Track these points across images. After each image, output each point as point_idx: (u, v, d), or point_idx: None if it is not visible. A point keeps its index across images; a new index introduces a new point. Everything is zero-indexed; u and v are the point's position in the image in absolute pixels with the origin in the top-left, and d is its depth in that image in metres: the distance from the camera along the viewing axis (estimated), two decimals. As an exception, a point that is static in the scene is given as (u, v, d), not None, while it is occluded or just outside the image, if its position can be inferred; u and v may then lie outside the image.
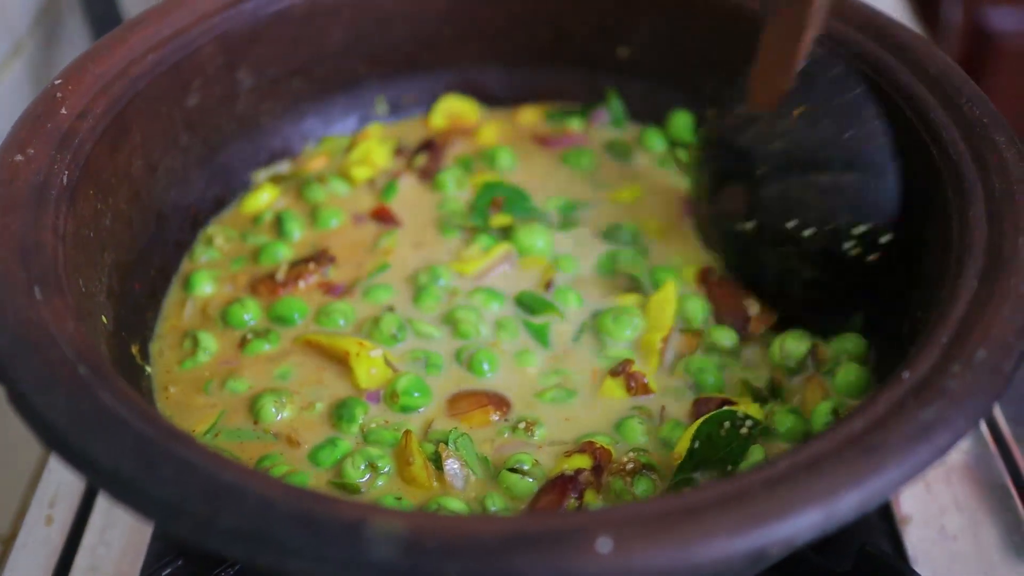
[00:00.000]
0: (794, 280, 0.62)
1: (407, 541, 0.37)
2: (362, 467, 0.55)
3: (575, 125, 0.79)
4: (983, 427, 0.69)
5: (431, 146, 0.76)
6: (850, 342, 0.61)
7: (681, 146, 0.77)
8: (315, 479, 0.55)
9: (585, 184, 0.74)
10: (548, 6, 0.76)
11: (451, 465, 0.55)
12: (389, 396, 0.59)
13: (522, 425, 0.58)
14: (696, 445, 0.53)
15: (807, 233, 0.59)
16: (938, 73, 0.59)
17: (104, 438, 0.41)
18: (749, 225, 0.61)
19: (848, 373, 0.59)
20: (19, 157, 0.52)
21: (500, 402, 0.59)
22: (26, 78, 0.89)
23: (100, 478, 0.41)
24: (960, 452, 0.67)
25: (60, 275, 0.48)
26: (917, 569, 0.56)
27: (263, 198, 0.73)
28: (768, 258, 0.62)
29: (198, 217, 0.70)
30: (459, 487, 0.54)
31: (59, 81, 0.57)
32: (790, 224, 0.59)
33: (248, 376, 0.61)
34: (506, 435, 0.58)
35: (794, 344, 0.60)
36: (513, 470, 0.54)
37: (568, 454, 0.55)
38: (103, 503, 0.65)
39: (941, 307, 0.48)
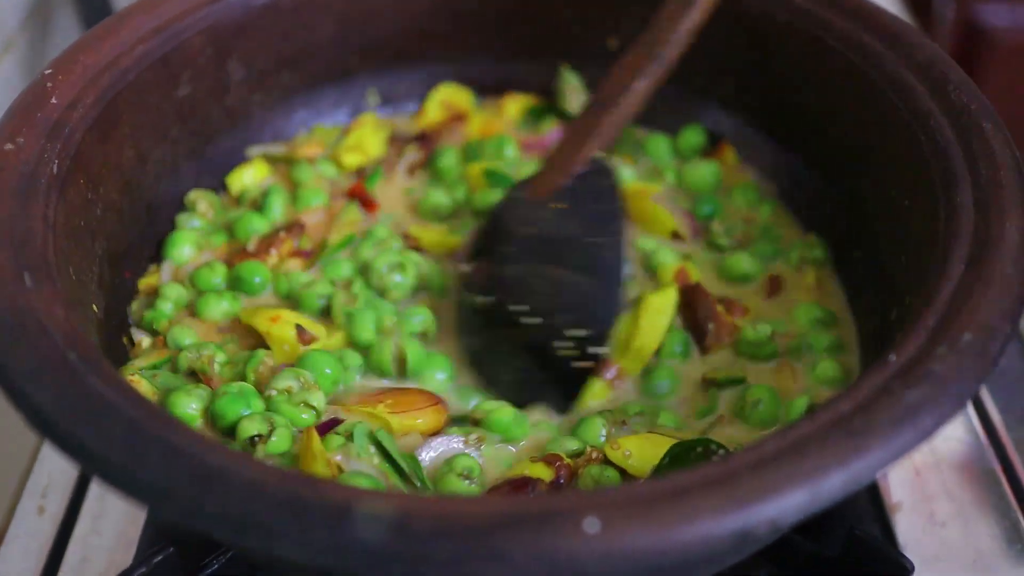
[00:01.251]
0: (507, 365, 0.61)
1: (394, 523, 0.37)
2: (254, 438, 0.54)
3: (551, 124, 0.78)
4: (973, 416, 0.69)
5: (424, 138, 0.76)
6: (825, 338, 0.62)
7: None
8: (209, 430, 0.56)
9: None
10: (538, -3, 0.76)
11: (356, 467, 0.53)
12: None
13: (473, 436, 0.56)
14: (666, 460, 0.54)
15: (530, 321, 0.59)
16: (926, 60, 0.59)
17: (94, 424, 0.41)
18: (485, 300, 0.62)
19: (826, 368, 0.60)
20: (9, 146, 0.52)
21: (436, 401, 0.58)
22: (17, 74, 0.89)
23: (90, 463, 0.41)
24: (950, 440, 0.68)
25: (50, 263, 0.49)
26: (906, 555, 0.57)
27: (251, 174, 0.73)
28: (491, 337, 0.62)
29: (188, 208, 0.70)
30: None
31: (49, 71, 0.57)
32: (517, 308, 0.60)
33: (198, 331, 0.62)
34: (455, 441, 0.56)
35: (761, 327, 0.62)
36: (462, 475, 0.53)
37: (534, 460, 0.55)
38: (95, 493, 0.65)
39: (928, 291, 0.48)
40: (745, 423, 0.57)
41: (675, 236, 0.69)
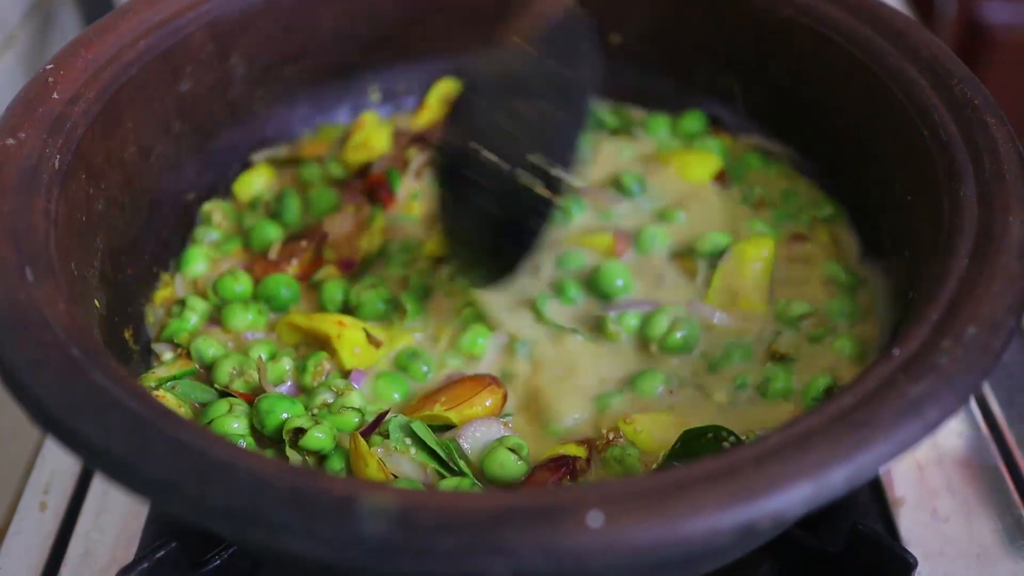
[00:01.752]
0: (473, 214, 0.60)
1: (398, 517, 0.37)
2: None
3: None
4: (976, 411, 0.69)
5: (423, 139, 0.76)
6: (846, 304, 0.63)
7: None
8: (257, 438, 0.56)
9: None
10: (540, -8, 0.76)
11: (396, 461, 0.54)
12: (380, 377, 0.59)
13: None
14: (678, 445, 0.54)
15: (490, 158, 0.57)
16: (929, 56, 0.59)
17: (96, 418, 0.41)
18: (448, 146, 0.60)
19: (845, 343, 0.60)
20: (10, 141, 0.52)
21: (488, 383, 0.59)
22: (18, 69, 0.89)
23: (92, 457, 0.41)
24: (953, 435, 0.67)
25: (52, 258, 0.49)
26: (910, 550, 0.56)
27: (259, 179, 0.73)
28: (457, 190, 0.60)
29: (191, 203, 0.70)
30: (416, 477, 0.54)
31: (51, 66, 0.57)
32: (478, 148, 0.57)
33: (226, 342, 0.62)
34: (494, 425, 0.57)
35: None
36: (511, 450, 0.54)
37: (563, 442, 0.56)
38: (97, 489, 0.65)
39: (932, 285, 0.48)
40: (763, 398, 0.58)
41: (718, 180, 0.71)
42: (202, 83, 0.67)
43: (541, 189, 0.58)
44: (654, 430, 0.56)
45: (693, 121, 0.76)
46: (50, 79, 0.56)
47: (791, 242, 0.67)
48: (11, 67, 0.88)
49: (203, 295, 0.65)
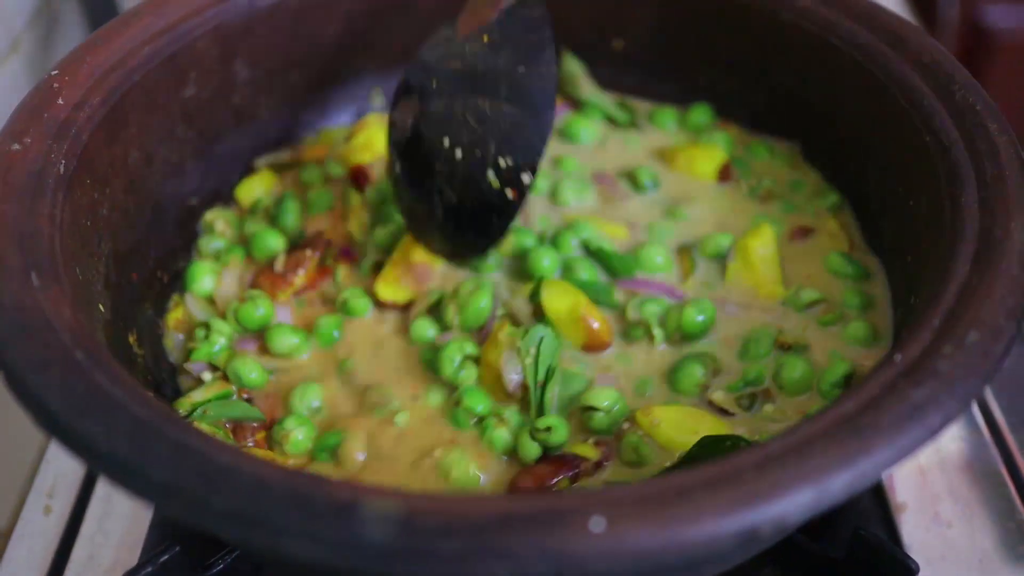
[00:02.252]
0: (438, 202, 0.62)
1: (401, 521, 0.37)
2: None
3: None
4: (978, 416, 0.69)
5: None
6: (856, 295, 0.62)
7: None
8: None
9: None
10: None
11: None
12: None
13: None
14: (695, 450, 0.54)
15: (457, 154, 0.60)
16: (931, 61, 0.59)
17: (100, 420, 0.41)
18: (410, 135, 0.62)
19: (857, 328, 0.60)
20: (16, 147, 0.53)
21: None
22: (24, 74, 0.89)
23: (96, 460, 0.41)
24: (955, 440, 0.67)
25: (57, 262, 0.49)
26: (912, 555, 0.56)
27: (261, 184, 0.73)
28: (420, 174, 0.62)
29: (195, 208, 0.70)
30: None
31: (56, 72, 0.58)
32: (445, 141, 0.60)
33: (265, 363, 0.62)
34: None
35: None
36: (590, 408, 0.56)
37: (584, 440, 0.56)
38: (101, 493, 0.65)
39: (933, 291, 0.48)
40: (781, 391, 0.58)
41: (721, 178, 0.72)
42: (206, 88, 0.68)
43: (510, 192, 0.60)
44: (675, 424, 0.55)
45: (700, 114, 0.76)
46: (55, 85, 0.57)
47: (797, 233, 0.67)
48: (16, 73, 0.88)
49: (221, 314, 0.64)
